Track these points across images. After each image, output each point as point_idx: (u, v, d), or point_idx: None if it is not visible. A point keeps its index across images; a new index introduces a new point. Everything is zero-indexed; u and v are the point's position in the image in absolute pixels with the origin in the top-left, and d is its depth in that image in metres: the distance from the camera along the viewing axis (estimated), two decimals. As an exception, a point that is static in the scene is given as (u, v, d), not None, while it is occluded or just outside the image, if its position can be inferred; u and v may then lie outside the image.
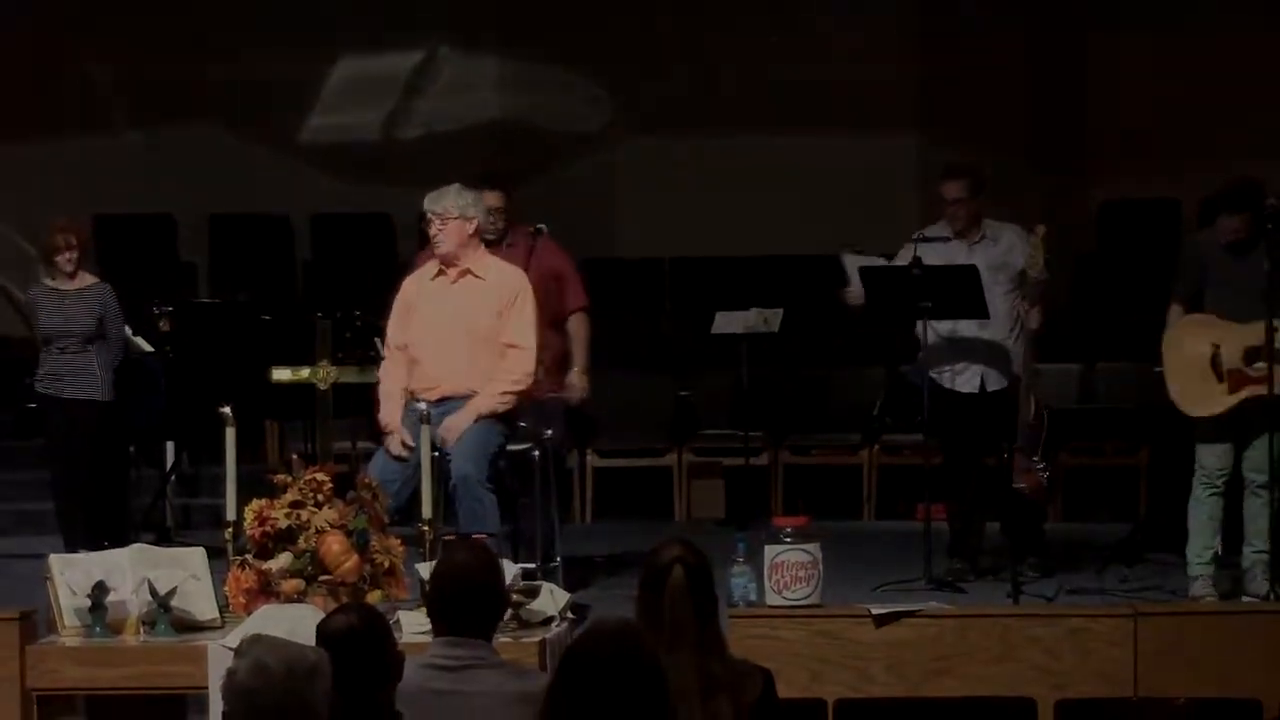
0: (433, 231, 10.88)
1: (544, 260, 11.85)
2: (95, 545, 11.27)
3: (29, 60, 15.13)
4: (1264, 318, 10.44)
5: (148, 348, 12.59)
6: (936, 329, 11.47)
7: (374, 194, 14.71)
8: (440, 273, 10.90)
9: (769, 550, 9.85)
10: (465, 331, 10.81)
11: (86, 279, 12.01)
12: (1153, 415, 11.80)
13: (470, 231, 10.88)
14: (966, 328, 11.47)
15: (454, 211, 10.85)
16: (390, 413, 10.77)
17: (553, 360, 11.80)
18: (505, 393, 10.83)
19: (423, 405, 10.41)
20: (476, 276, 10.89)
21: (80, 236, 12.03)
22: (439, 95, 15.38)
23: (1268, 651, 9.59)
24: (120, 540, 11.34)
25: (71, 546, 11.11)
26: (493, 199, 11.76)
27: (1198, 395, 10.60)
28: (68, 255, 11.87)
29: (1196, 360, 10.62)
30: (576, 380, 11.93)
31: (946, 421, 11.45)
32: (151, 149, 15.13)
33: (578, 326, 12.01)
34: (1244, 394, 10.51)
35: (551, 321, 11.81)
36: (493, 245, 11.60)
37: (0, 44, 15.08)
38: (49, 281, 11.96)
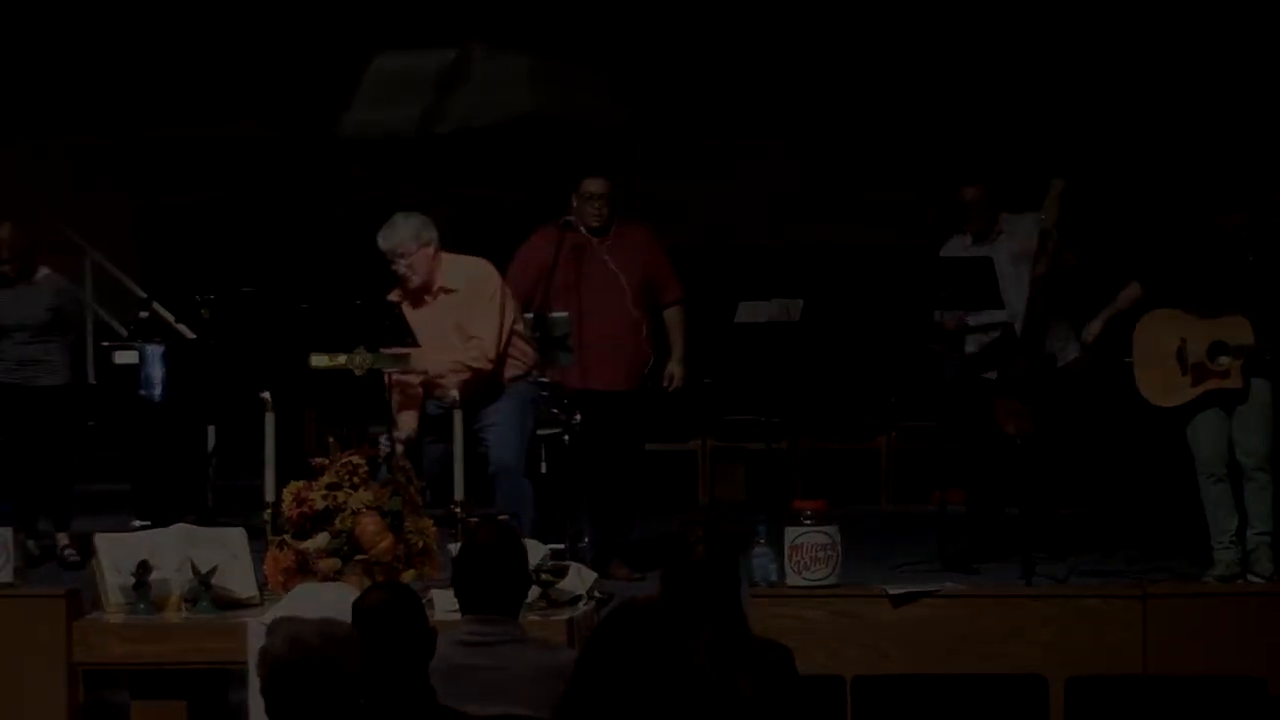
0: (401, 270, 10.81)
1: (645, 253, 11.90)
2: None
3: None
4: (1232, 312, 10.56)
5: (190, 335, 12.62)
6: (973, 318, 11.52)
7: (410, 188, 14.69)
8: (421, 301, 10.90)
9: (789, 532, 9.86)
10: (459, 340, 10.85)
11: (41, 273, 11.90)
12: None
13: (432, 253, 10.84)
14: (992, 316, 11.47)
15: (412, 244, 10.79)
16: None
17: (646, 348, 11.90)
18: (461, 367, 10.80)
19: (455, 394, 10.46)
20: (449, 291, 10.87)
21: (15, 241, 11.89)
22: (472, 92, 15.36)
23: (1273, 630, 9.61)
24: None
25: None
26: (595, 186, 11.74)
27: (1162, 386, 10.67)
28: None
29: (1163, 352, 10.68)
30: (676, 369, 11.93)
31: (971, 405, 11.46)
32: (193, 143, 15.09)
33: (677, 317, 12.00)
34: (1206, 387, 10.58)
35: (648, 312, 11.87)
36: (599, 234, 11.65)
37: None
38: None
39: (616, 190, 11.81)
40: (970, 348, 11.54)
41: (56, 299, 11.78)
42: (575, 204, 11.70)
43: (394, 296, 10.91)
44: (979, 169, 11.81)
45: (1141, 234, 11.85)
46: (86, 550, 10.31)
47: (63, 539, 11.55)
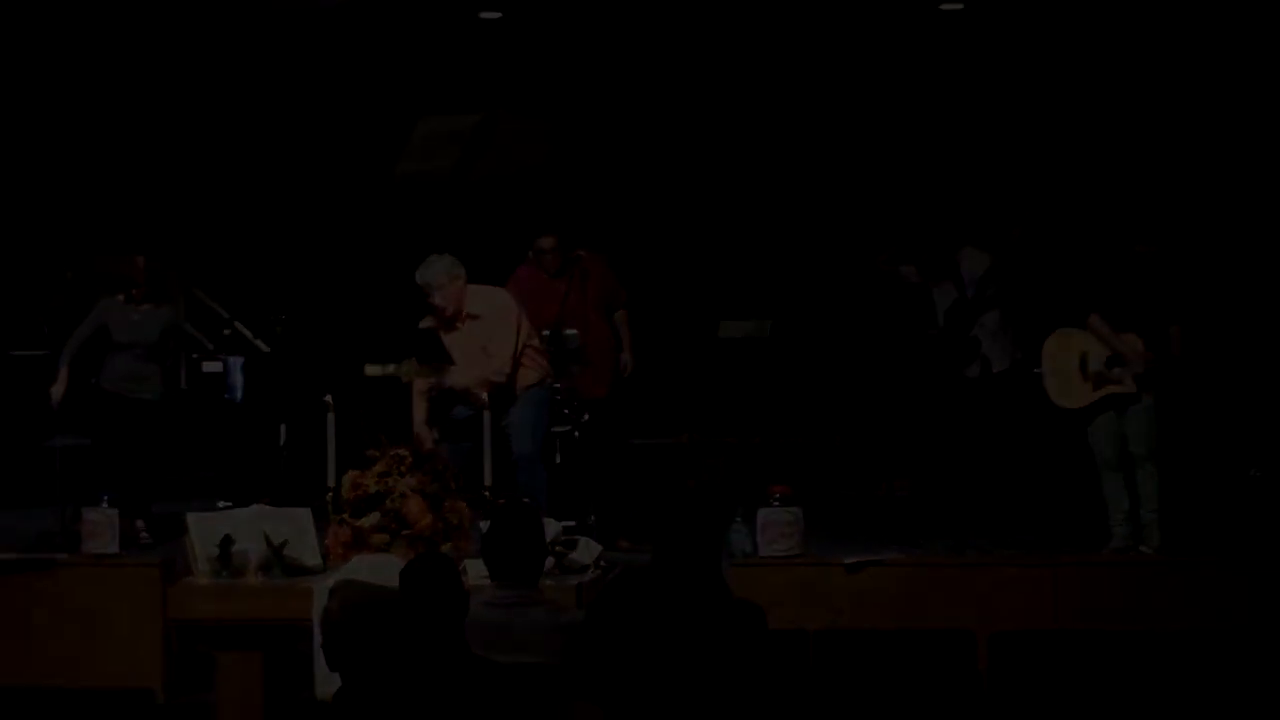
0: (436, 301, 10.82)
1: (605, 280, 11.94)
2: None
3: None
4: (1127, 330, 10.56)
5: (265, 348, 12.59)
6: None
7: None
8: (453, 327, 10.88)
9: (761, 512, 9.86)
10: (484, 358, 10.83)
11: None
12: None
13: (461, 286, 10.84)
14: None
15: (444, 279, 10.82)
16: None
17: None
18: (485, 380, 10.78)
19: (485, 396, 10.45)
20: (474, 317, 10.86)
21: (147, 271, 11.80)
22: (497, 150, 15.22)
23: (1161, 592, 9.62)
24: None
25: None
26: (546, 243, 11.83)
27: (1067, 391, 10.67)
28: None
29: (1068, 363, 10.67)
30: (628, 359, 12.05)
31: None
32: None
33: (624, 318, 12.10)
34: (1104, 392, 10.57)
35: (610, 321, 11.95)
36: (557, 277, 11.70)
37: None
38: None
39: (564, 243, 11.87)
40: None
41: (167, 325, 11.70)
42: (532, 255, 11.82)
43: (427, 322, 10.92)
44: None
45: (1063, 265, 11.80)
46: (157, 533, 10.27)
47: (140, 525, 11.45)
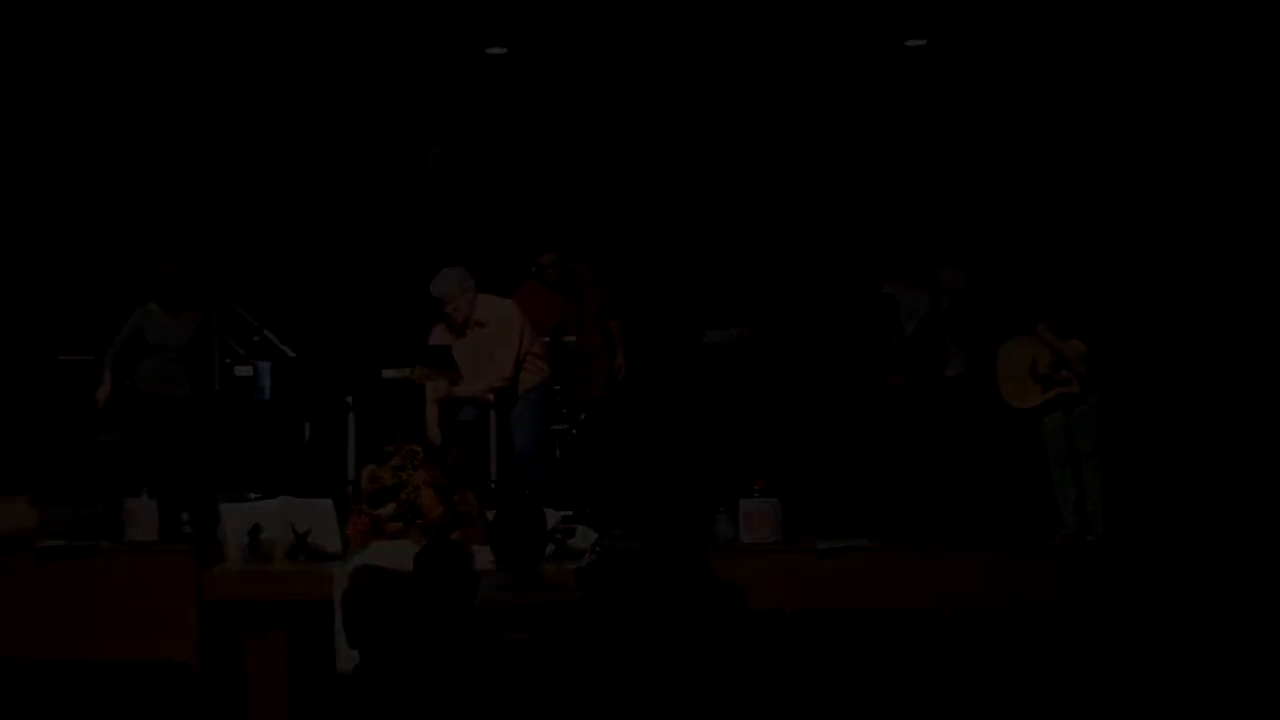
0: (451, 309, 10.83)
1: (600, 292, 12.02)
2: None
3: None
4: (1071, 337, 10.65)
5: (291, 354, 12.61)
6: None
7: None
8: (463, 334, 10.93)
9: (743, 502, 9.90)
10: (491, 363, 10.88)
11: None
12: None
13: (471, 296, 10.87)
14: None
15: (456, 290, 10.83)
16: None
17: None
18: (492, 385, 10.85)
19: (490, 397, 10.52)
20: (482, 325, 10.90)
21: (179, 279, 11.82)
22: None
23: (1105, 574, 9.69)
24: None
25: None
26: (546, 259, 11.88)
27: (1019, 393, 10.71)
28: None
29: (1020, 368, 10.72)
30: (621, 362, 12.08)
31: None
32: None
33: (618, 328, 12.13)
34: (1052, 393, 10.62)
35: (605, 328, 12.01)
36: (555, 290, 11.76)
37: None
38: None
39: (563, 258, 11.92)
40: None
41: (197, 330, 11.73)
42: (535, 270, 11.88)
43: (439, 334, 10.98)
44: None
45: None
46: (197, 524, 10.34)
47: (185, 517, 11.47)
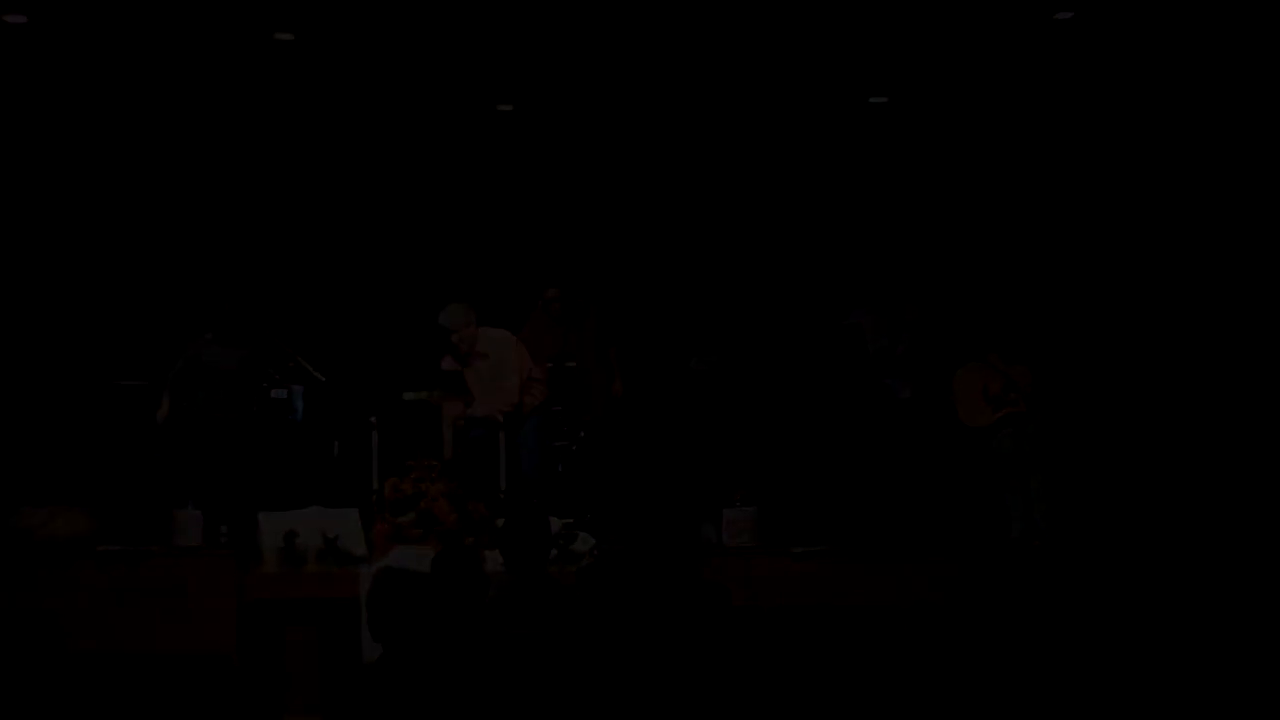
0: (456, 339, 10.90)
1: (598, 324, 12.11)
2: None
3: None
4: (1018, 363, 10.69)
5: (321, 378, 12.64)
6: None
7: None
8: (469, 364, 10.99)
9: (725, 510, 9.91)
10: (497, 389, 10.95)
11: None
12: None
13: (474, 328, 10.94)
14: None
15: (461, 323, 10.92)
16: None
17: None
18: (500, 409, 10.91)
19: (500, 419, 10.57)
20: (484, 355, 10.97)
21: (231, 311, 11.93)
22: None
23: (1049, 574, 9.64)
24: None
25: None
26: (551, 293, 11.96)
27: (972, 413, 10.76)
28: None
29: (974, 391, 10.77)
30: (619, 385, 12.13)
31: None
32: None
33: (614, 355, 12.18)
34: (1002, 413, 10.66)
35: (605, 355, 12.05)
36: (560, 324, 11.81)
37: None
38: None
39: (566, 293, 11.98)
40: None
41: (242, 357, 11.77)
42: (541, 303, 11.94)
43: (448, 359, 11.05)
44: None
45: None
46: (234, 533, 10.36)
47: (223, 529, 11.45)
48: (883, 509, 10.83)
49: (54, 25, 11.74)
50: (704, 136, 13.72)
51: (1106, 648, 8.13)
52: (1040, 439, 10.62)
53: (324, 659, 9.03)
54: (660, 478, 11.95)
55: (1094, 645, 8.17)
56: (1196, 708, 7.59)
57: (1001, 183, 13.25)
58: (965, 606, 9.10)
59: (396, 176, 13.96)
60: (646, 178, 13.95)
